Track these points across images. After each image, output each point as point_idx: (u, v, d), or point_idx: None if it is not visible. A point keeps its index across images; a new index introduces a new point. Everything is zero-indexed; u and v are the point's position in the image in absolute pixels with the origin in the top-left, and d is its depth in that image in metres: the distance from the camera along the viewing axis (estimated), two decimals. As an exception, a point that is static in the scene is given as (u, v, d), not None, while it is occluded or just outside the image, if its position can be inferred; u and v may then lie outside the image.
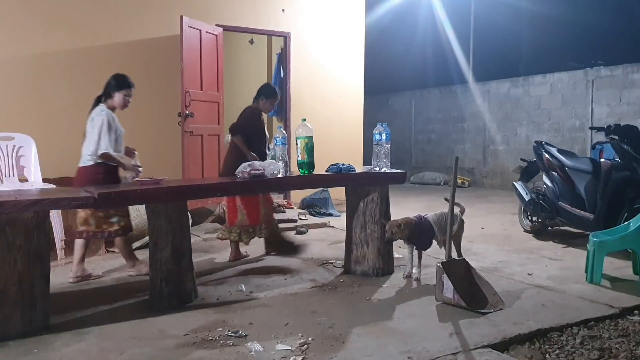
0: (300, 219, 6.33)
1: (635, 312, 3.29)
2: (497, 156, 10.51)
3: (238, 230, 4.52)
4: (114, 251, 4.94)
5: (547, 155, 5.44)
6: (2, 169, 4.62)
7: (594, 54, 10.85)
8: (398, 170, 4.31)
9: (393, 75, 14.34)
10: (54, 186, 4.52)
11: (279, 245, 4.84)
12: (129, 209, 4.22)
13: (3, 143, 4.70)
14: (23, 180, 4.70)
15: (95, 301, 3.52)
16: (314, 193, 6.86)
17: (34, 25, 5.72)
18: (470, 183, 10.74)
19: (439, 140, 11.88)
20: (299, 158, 4.04)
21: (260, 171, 3.75)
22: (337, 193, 6.47)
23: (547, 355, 2.72)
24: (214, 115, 6.47)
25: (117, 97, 4.07)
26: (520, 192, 5.66)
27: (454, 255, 3.77)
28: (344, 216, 4.53)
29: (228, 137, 8.38)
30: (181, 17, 5.88)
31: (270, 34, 7.63)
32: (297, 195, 7.09)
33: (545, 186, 5.51)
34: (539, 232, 5.65)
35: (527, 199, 5.54)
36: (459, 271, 3.46)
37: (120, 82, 4.11)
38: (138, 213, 5.15)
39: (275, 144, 4.15)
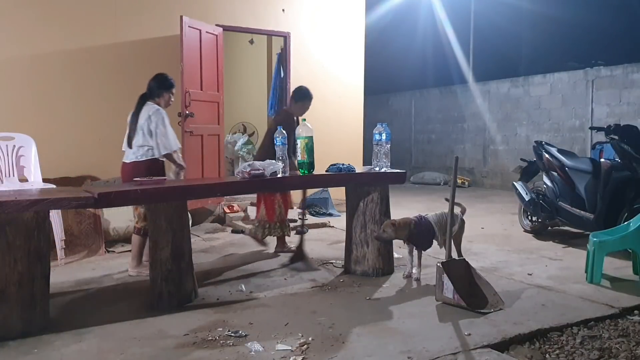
0: (299, 218, 6.32)
1: (635, 312, 3.29)
2: (497, 156, 10.51)
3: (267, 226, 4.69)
4: (113, 251, 4.94)
5: (547, 155, 5.44)
6: (2, 169, 4.62)
7: (594, 54, 10.86)
8: (398, 170, 4.31)
9: (393, 75, 14.34)
10: (54, 186, 4.52)
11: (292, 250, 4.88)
12: None
13: (3, 143, 4.70)
14: (23, 180, 4.70)
15: (95, 301, 3.53)
16: (314, 193, 6.86)
17: (34, 25, 5.72)
18: (470, 183, 10.75)
19: (439, 140, 11.88)
20: (299, 158, 4.04)
21: (260, 171, 3.75)
22: (337, 193, 6.47)
23: (547, 355, 2.72)
24: (214, 115, 6.47)
25: (165, 96, 4.30)
26: (520, 192, 5.66)
27: (454, 255, 3.77)
28: (344, 216, 4.53)
29: (228, 136, 8.43)
30: (181, 17, 5.88)
31: (270, 34, 7.63)
32: (297, 195, 7.08)
33: (545, 186, 5.51)
34: (539, 232, 5.65)
35: (527, 199, 5.54)
36: (459, 271, 3.46)
37: (166, 83, 4.32)
38: (138, 213, 5.16)
39: (275, 144, 4.15)
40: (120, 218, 5.12)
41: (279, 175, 3.89)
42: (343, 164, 4.23)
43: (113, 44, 6.11)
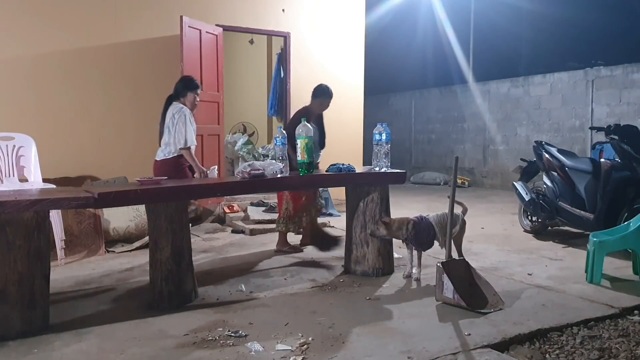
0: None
1: (635, 312, 3.29)
2: (497, 156, 10.51)
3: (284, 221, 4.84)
4: (113, 251, 4.95)
5: (547, 155, 5.44)
6: (2, 169, 4.62)
7: (594, 54, 10.86)
8: (398, 170, 4.30)
9: (393, 75, 14.34)
10: (54, 186, 4.52)
11: (315, 239, 5.13)
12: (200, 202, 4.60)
13: (3, 143, 4.70)
14: (23, 180, 4.70)
15: (95, 301, 3.52)
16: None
17: (34, 25, 5.72)
18: (470, 183, 10.75)
19: (439, 140, 11.88)
20: (299, 158, 4.04)
21: (260, 171, 3.75)
22: (337, 193, 6.46)
23: (547, 355, 2.71)
24: (214, 115, 6.47)
25: (190, 97, 4.44)
26: (520, 192, 5.66)
27: (455, 255, 3.77)
28: (344, 216, 4.53)
29: (228, 136, 8.43)
30: (181, 17, 5.88)
31: (270, 34, 7.63)
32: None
33: (545, 186, 5.51)
34: (539, 232, 5.65)
35: (527, 199, 5.54)
36: (459, 271, 3.46)
37: (191, 84, 4.48)
38: (138, 213, 5.16)
39: (275, 144, 4.15)
40: (120, 218, 5.12)
41: (278, 176, 3.88)
42: (343, 164, 4.24)
43: (113, 44, 6.11)
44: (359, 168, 4.73)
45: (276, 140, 4.09)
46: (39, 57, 5.77)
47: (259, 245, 5.25)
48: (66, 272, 4.21)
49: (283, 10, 7.24)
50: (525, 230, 5.81)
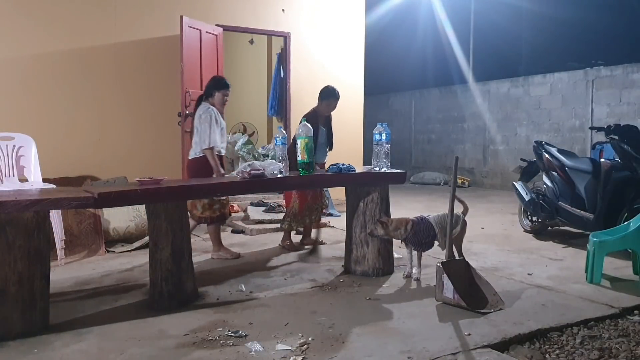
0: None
1: (635, 312, 3.29)
2: (497, 156, 10.51)
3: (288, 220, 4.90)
4: (113, 251, 4.95)
5: (547, 155, 5.44)
6: (2, 169, 4.62)
7: (594, 54, 10.87)
8: (398, 170, 4.30)
9: (393, 75, 14.34)
10: (54, 186, 4.52)
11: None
12: (227, 198, 4.74)
13: (3, 143, 4.70)
14: (23, 180, 4.70)
15: (95, 301, 3.52)
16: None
17: (34, 25, 5.72)
18: (470, 183, 10.75)
19: (439, 140, 11.88)
20: (299, 158, 4.04)
21: (260, 171, 3.75)
22: (337, 193, 6.47)
23: (547, 355, 2.71)
24: (214, 115, 6.46)
25: (217, 96, 4.57)
26: (520, 192, 5.66)
27: (455, 255, 3.77)
28: (344, 216, 4.53)
29: (228, 136, 8.42)
30: (181, 17, 5.89)
31: (270, 34, 7.63)
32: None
33: (545, 186, 5.51)
34: (539, 232, 5.65)
35: (527, 199, 5.54)
36: (459, 271, 3.45)
37: (219, 83, 4.61)
38: (138, 213, 5.16)
39: (275, 144, 4.15)
40: (120, 218, 5.12)
41: (278, 176, 3.88)
42: (343, 164, 4.23)
43: (113, 44, 6.11)
44: (359, 168, 4.74)
45: (276, 140, 4.09)
46: (39, 57, 5.77)
47: (259, 245, 5.25)
48: (66, 272, 4.21)
49: (283, 10, 7.25)
50: (525, 230, 5.80)
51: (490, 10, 12.41)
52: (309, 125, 4.06)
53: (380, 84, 12.78)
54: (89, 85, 6.02)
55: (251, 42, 9.12)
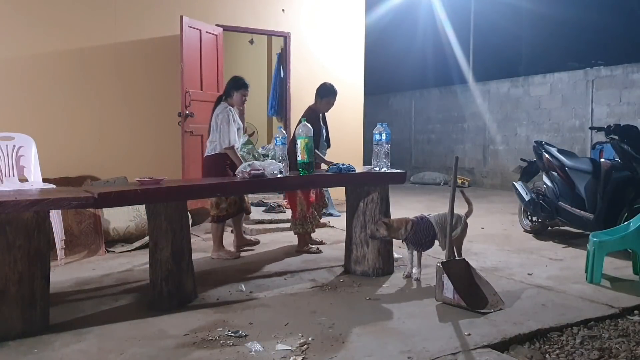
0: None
1: (635, 312, 3.29)
2: (497, 156, 10.51)
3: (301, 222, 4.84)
4: (113, 251, 4.95)
5: (547, 155, 5.44)
6: (2, 169, 4.62)
7: (594, 54, 10.86)
8: (398, 170, 4.30)
9: (393, 75, 14.34)
10: (54, 186, 4.52)
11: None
12: (243, 197, 4.81)
13: (3, 143, 4.69)
14: (23, 180, 4.70)
15: (95, 301, 3.52)
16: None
17: (34, 25, 5.72)
18: (470, 183, 10.75)
19: (439, 140, 11.88)
20: (299, 158, 4.04)
21: (260, 171, 3.75)
22: (337, 193, 6.47)
23: (547, 355, 2.71)
24: (214, 115, 6.46)
25: (236, 96, 4.68)
26: (520, 192, 5.66)
27: (455, 255, 3.76)
28: (344, 216, 4.53)
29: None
30: (181, 17, 5.88)
31: (270, 34, 7.63)
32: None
33: (545, 186, 5.51)
34: (539, 232, 5.65)
35: (527, 199, 5.53)
36: (459, 271, 3.45)
37: (237, 83, 4.71)
38: (138, 213, 5.16)
39: (275, 144, 4.15)
40: (120, 218, 5.12)
41: (278, 176, 3.88)
42: (343, 164, 4.24)
43: (113, 44, 6.11)
44: (359, 168, 4.74)
45: (276, 140, 4.09)
46: (39, 57, 5.77)
47: (259, 245, 5.25)
48: (66, 272, 4.21)
49: (283, 10, 7.25)
50: (525, 230, 5.80)
51: (490, 10, 12.41)
52: (309, 125, 4.06)
53: (380, 84, 12.78)
54: (89, 85, 6.02)
55: (251, 42, 9.12)
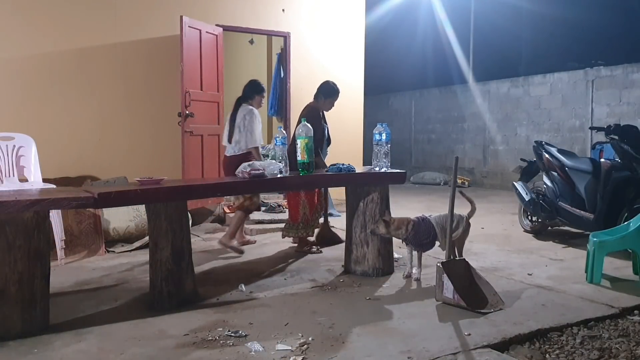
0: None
1: (635, 312, 3.29)
2: (497, 156, 10.51)
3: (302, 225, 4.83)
4: (113, 251, 4.95)
5: (547, 155, 5.44)
6: (2, 169, 4.62)
7: (594, 54, 10.87)
8: (398, 170, 4.30)
9: (393, 75, 14.34)
10: (54, 186, 4.52)
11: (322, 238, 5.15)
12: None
13: (3, 143, 4.70)
14: (23, 180, 4.70)
15: (95, 301, 3.52)
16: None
17: (34, 25, 5.72)
18: (470, 183, 10.75)
19: (439, 140, 11.88)
20: (299, 158, 4.04)
21: (260, 171, 3.75)
22: (337, 193, 6.47)
23: (547, 355, 2.72)
24: (214, 115, 6.47)
25: (257, 99, 4.92)
26: (520, 192, 5.66)
27: (455, 255, 3.76)
28: (344, 216, 4.53)
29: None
30: (181, 17, 5.88)
31: (270, 34, 7.63)
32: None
33: (545, 186, 5.51)
34: (539, 232, 5.65)
35: (527, 199, 5.53)
36: (459, 271, 3.46)
37: (258, 87, 4.95)
38: (138, 213, 5.16)
39: (275, 144, 4.15)
40: (120, 218, 5.12)
41: (278, 176, 3.88)
42: (343, 164, 4.24)
43: (113, 44, 6.11)
44: (359, 168, 4.73)
45: (276, 140, 4.09)
46: (39, 57, 5.77)
47: (259, 245, 5.26)
48: (66, 272, 4.21)
49: (283, 10, 7.25)
50: (525, 230, 5.80)
51: (490, 10, 12.41)
52: (309, 125, 4.06)
53: (380, 84, 12.77)
54: (89, 85, 6.02)
55: (251, 42, 9.11)
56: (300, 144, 4.01)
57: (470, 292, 3.36)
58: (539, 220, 5.59)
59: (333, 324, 3.04)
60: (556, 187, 5.34)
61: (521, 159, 6.22)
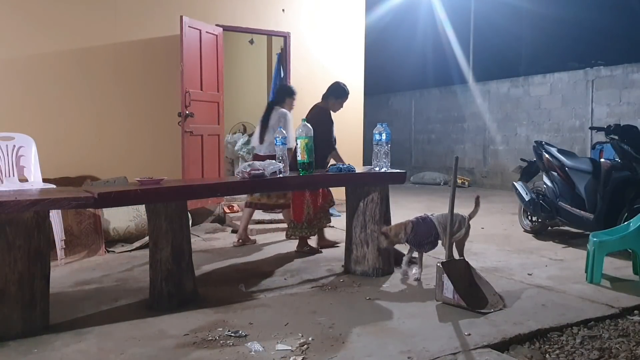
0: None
1: (635, 312, 3.29)
2: (497, 156, 10.51)
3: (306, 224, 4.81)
4: (113, 251, 4.95)
5: (547, 155, 5.44)
6: (2, 169, 4.62)
7: (594, 54, 10.87)
8: (398, 170, 4.30)
9: (393, 75, 14.34)
10: (54, 186, 4.52)
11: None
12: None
13: (3, 143, 4.70)
14: (23, 180, 4.70)
15: (95, 301, 3.52)
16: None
17: (34, 25, 5.72)
18: (470, 183, 10.75)
19: (439, 140, 11.88)
20: (299, 158, 4.04)
21: (260, 171, 3.75)
22: (337, 193, 6.47)
23: (547, 355, 2.72)
24: (214, 115, 6.47)
25: (288, 102, 5.26)
26: (520, 192, 5.66)
27: (455, 256, 3.76)
28: (344, 216, 4.53)
29: (228, 136, 8.43)
30: (181, 17, 5.88)
31: (270, 34, 7.62)
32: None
33: (545, 186, 5.51)
34: (539, 232, 5.65)
35: (527, 199, 5.53)
36: (459, 271, 3.46)
37: (290, 90, 5.32)
38: (138, 213, 5.16)
39: (276, 144, 4.15)
40: (120, 218, 5.12)
41: (278, 175, 3.88)
42: (343, 164, 4.23)
43: (113, 44, 6.11)
44: (359, 168, 4.74)
45: (276, 140, 4.09)
46: (39, 57, 5.77)
47: (259, 245, 5.26)
48: (66, 272, 4.21)
49: (283, 10, 7.24)
50: (525, 230, 5.80)
51: (490, 10, 12.41)
52: (309, 125, 4.06)
53: (380, 84, 12.78)
54: (89, 85, 6.02)
55: (251, 42, 9.11)
56: (300, 144, 4.01)
57: (470, 292, 3.37)
58: (539, 220, 5.59)
59: (333, 324, 3.04)
60: (556, 187, 5.34)
61: (521, 159, 6.22)
